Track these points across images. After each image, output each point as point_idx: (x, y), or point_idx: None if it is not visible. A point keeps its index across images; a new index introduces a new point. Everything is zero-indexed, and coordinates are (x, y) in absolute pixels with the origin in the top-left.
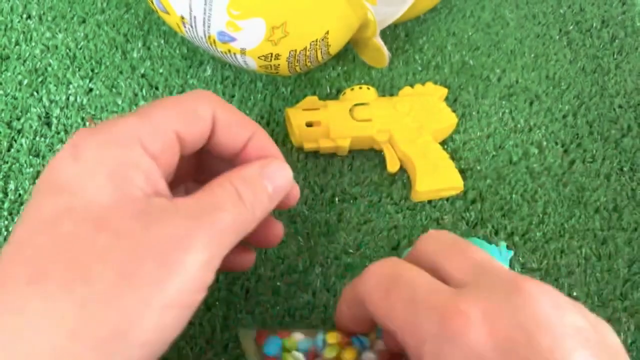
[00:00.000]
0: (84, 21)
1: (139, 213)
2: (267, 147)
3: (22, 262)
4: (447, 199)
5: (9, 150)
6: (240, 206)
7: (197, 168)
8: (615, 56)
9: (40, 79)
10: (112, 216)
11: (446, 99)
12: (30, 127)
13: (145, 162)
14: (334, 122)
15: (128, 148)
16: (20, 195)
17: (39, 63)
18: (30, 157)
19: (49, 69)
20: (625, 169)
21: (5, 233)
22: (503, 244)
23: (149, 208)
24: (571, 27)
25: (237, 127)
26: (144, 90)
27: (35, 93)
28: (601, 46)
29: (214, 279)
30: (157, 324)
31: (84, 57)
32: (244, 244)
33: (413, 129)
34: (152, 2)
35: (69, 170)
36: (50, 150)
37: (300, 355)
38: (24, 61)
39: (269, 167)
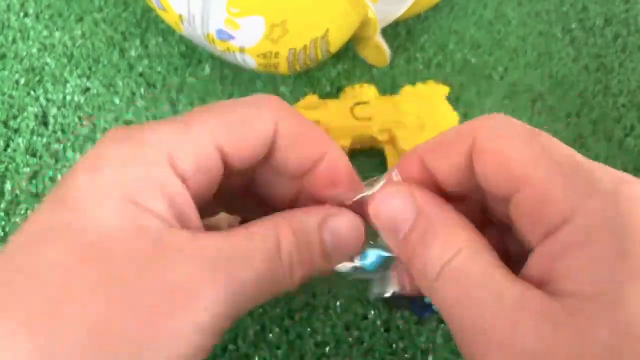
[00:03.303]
0: (81, 19)
1: (143, 250)
2: (339, 174)
3: None
4: None
5: (5, 150)
6: (275, 263)
7: (252, 183)
8: (618, 54)
9: (37, 78)
10: (109, 247)
11: (448, 97)
12: (27, 126)
13: (172, 184)
14: (334, 121)
15: (153, 166)
16: (17, 195)
17: (35, 62)
18: (27, 156)
19: (46, 67)
20: (629, 168)
21: (1, 234)
22: None
23: (159, 245)
24: (574, 25)
25: (304, 145)
26: (141, 89)
27: (32, 92)
28: (604, 44)
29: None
30: None
31: (81, 56)
32: None
33: (414, 128)
34: (150, 0)
35: (83, 185)
36: (47, 150)
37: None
38: (21, 60)
39: (336, 220)
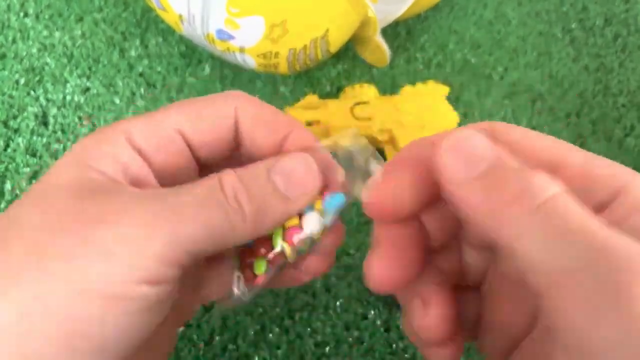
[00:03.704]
0: (81, 19)
1: (83, 190)
2: (306, 147)
3: None
4: None
5: (5, 150)
6: (216, 192)
7: None
8: (618, 54)
9: (37, 78)
10: (55, 193)
11: (448, 97)
12: (27, 126)
13: (126, 155)
14: (334, 121)
15: (110, 141)
16: (17, 195)
17: (36, 62)
18: (27, 156)
19: (46, 67)
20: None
21: None
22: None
23: (101, 187)
24: (574, 26)
25: (266, 127)
26: (141, 89)
27: (32, 92)
28: (604, 45)
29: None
30: (71, 308)
31: (81, 56)
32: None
33: (414, 128)
34: (150, 0)
35: (53, 164)
36: (47, 150)
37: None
38: (21, 60)
39: (284, 160)
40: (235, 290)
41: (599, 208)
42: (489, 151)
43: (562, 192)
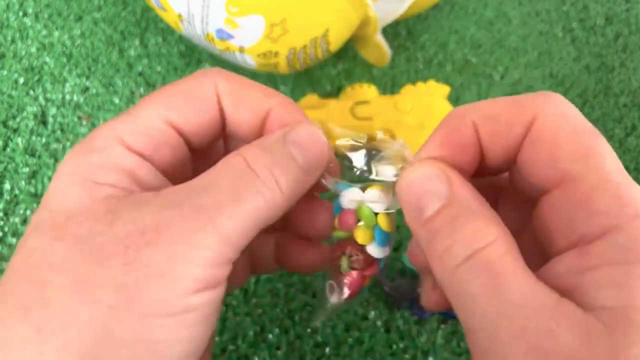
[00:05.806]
0: (80, 19)
1: (105, 212)
2: (289, 118)
3: None
4: None
5: (4, 150)
6: (253, 185)
7: None
8: (619, 54)
9: (36, 77)
10: (73, 221)
11: (448, 97)
12: (26, 126)
13: (129, 161)
14: (334, 121)
15: (106, 151)
16: (15, 195)
17: (35, 61)
18: (26, 156)
19: (45, 67)
20: (630, 168)
21: (0, 234)
22: None
23: (120, 204)
24: (575, 25)
25: (249, 100)
26: (141, 89)
27: (31, 91)
28: (605, 44)
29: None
30: (132, 335)
31: (81, 55)
32: (298, 236)
33: (415, 128)
34: (149, 0)
35: (50, 187)
36: (46, 150)
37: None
38: (20, 59)
39: (295, 131)
40: (329, 297)
41: (581, 242)
42: (437, 196)
43: (488, 252)
